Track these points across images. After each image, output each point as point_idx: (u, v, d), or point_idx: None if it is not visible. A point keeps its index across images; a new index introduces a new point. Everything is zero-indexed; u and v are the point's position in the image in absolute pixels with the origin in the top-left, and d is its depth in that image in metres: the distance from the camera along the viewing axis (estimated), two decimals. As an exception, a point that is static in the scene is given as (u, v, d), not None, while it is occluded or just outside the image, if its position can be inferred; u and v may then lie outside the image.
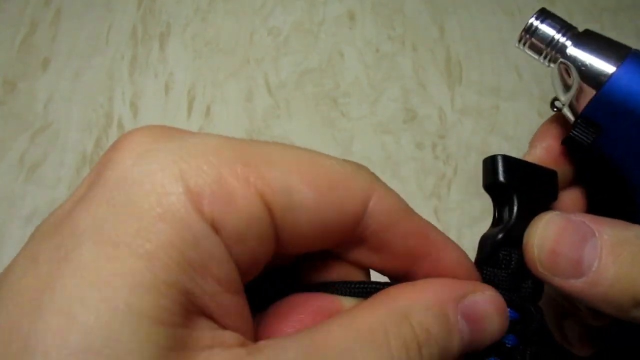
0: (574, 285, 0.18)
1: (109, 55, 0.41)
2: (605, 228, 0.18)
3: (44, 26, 0.42)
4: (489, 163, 0.21)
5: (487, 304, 0.17)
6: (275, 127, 0.38)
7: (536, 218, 0.19)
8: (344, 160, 0.17)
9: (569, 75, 0.20)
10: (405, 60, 0.41)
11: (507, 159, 0.21)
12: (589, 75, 0.19)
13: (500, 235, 0.20)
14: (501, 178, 0.20)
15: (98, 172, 0.15)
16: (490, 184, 0.20)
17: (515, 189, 0.20)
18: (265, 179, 0.15)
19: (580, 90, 0.19)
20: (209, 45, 0.42)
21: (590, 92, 0.19)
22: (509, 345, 0.19)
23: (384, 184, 0.18)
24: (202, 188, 0.14)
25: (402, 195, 0.37)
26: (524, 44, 0.21)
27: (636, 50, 0.19)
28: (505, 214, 0.21)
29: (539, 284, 0.20)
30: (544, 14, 0.21)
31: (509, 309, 0.19)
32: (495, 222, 0.21)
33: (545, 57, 0.21)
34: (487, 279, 0.20)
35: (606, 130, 0.19)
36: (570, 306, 0.22)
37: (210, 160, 0.14)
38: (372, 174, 0.19)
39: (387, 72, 0.40)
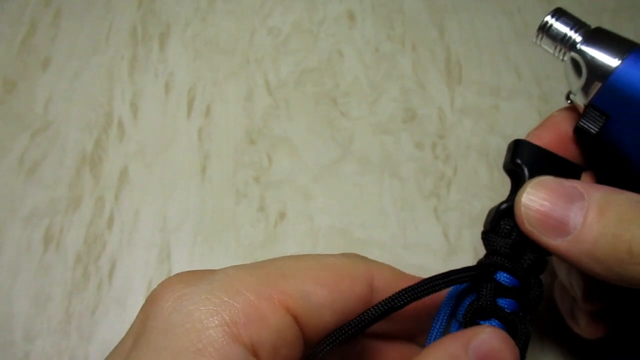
0: (560, 244, 0.18)
1: (109, 55, 0.41)
2: (594, 191, 0.18)
3: (44, 26, 0.42)
4: (510, 145, 0.23)
5: (492, 339, 0.18)
6: (275, 127, 0.38)
7: (529, 179, 0.20)
8: (341, 255, 0.20)
9: (579, 69, 0.21)
10: (405, 60, 0.41)
11: (528, 145, 0.22)
12: (596, 68, 0.21)
13: (503, 206, 0.21)
14: (517, 159, 0.22)
15: (141, 323, 0.17)
16: (507, 164, 0.22)
17: (530, 170, 0.21)
18: (285, 291, 0.17)
19: (589, 82, 0.21)
20: (209, 45, 0.42)
21: (598, 84, 0.20)
22: (508, 310, 0.20)
23: (378, 262, 0.21)
24: (236, 317, 0.16)
25: (402, 195, 0.37)
26: (540, 40, 0.23)
27: None
28: (515, 191, 0.22)
29: (541, 257, 0.21)
30: (559, 13, 0.22)
31: (509, 276, 0.20)
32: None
33: (559, 52, 0.22)
34: (490, 247, 0.21)
35: (613, 119, 0.20)
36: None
37: (237, 290, 0.16)
38: (366, 257, 0.21)
39: (386, 72, 0.40)
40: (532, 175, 0.21)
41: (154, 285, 0.32)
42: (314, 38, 0.42)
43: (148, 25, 0.42)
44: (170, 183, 0.36)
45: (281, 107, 0.39)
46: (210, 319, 0.16)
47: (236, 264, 0.19)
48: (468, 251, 0.33)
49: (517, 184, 0.22)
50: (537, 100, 0.39)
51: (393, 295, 0.19)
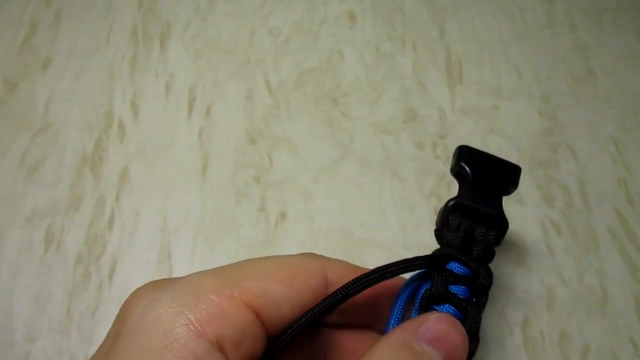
0: None
1: (110, 55, 0.41)
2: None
3: (44, 26, 0.42)
4: (455, 151, 0.26)
5: (439, 323, 0.19)
6: (276, 127, 0.38)
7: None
8: (298, 254, 0.22)
9: None
10: (406, 60, 0.41)
11: (470, 149, 0.25)
12: None
13: (451, 203, 0.24)
14: (461, 162, 0.25)
15: (116, 330, 0.18)
16: (453, 167, 0.25)
17: (473, 171, 0.24)
18: (245, 290, 0.19)
19: None
20: (210, 45, 0.42)
21: None
22: (461, 296, 0.22)
23: (333, 259, 0.23)
24: (200, 316, 0.17)
25: (402, 196, 0.37)
26: None
27: None
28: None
29: (489, 248, 0.23)
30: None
31: (460, 265, 0.23)
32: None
33: None
34: (442, 241, 0.24)
35: None
36: None
37: (200, 292, 0.18)
38: (322, 255, 0.23)
39: (387, 72, 0.40)
40: (476, 176, 0.24)
41: (155, 286, 0.32)
42: (315, 38, 0.42)
43: (148, 25, 0.42)
44: (170, 183, 0.36)
45: (281, 107, 0.39)
46: (177, 319, 0.17)
47: (201, 270, 0.20)
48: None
49: (463, 183, 0.25)
50: (537, 101, 0.39)
51: (347, 283, 0.21)
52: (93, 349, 0.30)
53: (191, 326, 0.17)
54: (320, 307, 0.20)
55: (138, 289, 0.19)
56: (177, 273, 0.33)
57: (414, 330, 0.19)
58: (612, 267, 0.33)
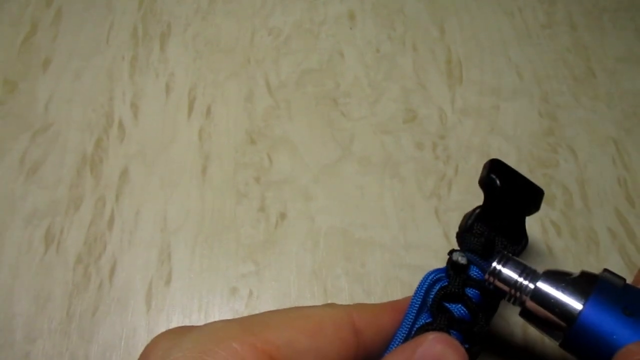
0: None
1: (110, 55, 0.41)
2: None
3: (44, 26, 0.42)
4: (486, 164, 0.26)
5: (436, 345, 0.19)
6: (276, 127, 0.38)
7: None
8: (322, 305, 0.22)
9: (538, 315, 0.22)
10: (406, 61, 0.41)
11: (502, 164, 0.26)
12: (558, 313, 0.21)
13: (478, 210, 0.25)
14: (492, 174, 0.25)
15: None
16: (484, 178, 0.26)
17: (502, 184, 0.25)
18: (268, 340, 0.18)
19: (552, 325, 0.21)
20: (210, 45, 0.42)
21: (562, 325, 0.21)
22: (474, 300, 0.23)
23: (356, 304, 0.22)
24: None
25: (402, 196, 0.37)
26: (490, 286, 0.23)
27: (600, 280, 0.22)
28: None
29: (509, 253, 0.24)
30: (504, 258, 0.23)
31: (479, 271, 0.23)
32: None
33: (510, 299, 0.23)
34: (464, 245, 0.24)
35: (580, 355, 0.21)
36: None
37: (221, 338, 0.17)
38: (344, 304, 0.22)
39: (387, 72, 0.40)
40: (503, 189, 0.25)
41: (155, 286, 0.32)
42: (315, 38, 0.42)
43: (149, 26, 0.42)
44: (170, 183, 0.36)
45: (282, 107, 0.39)
46: None
47: (224, 319, 0.20)
48: (469, 251, 0.33)
49: (491, 195, 0.25)
50: (537, 101, 0.39)
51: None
52: (93, 349, 0.30)
53: None
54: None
55: (159, 334, 0.19)
56: (177, 273, 0.33)
57: (411, 354, 0.18)
58: (613, 268, 0.33)
